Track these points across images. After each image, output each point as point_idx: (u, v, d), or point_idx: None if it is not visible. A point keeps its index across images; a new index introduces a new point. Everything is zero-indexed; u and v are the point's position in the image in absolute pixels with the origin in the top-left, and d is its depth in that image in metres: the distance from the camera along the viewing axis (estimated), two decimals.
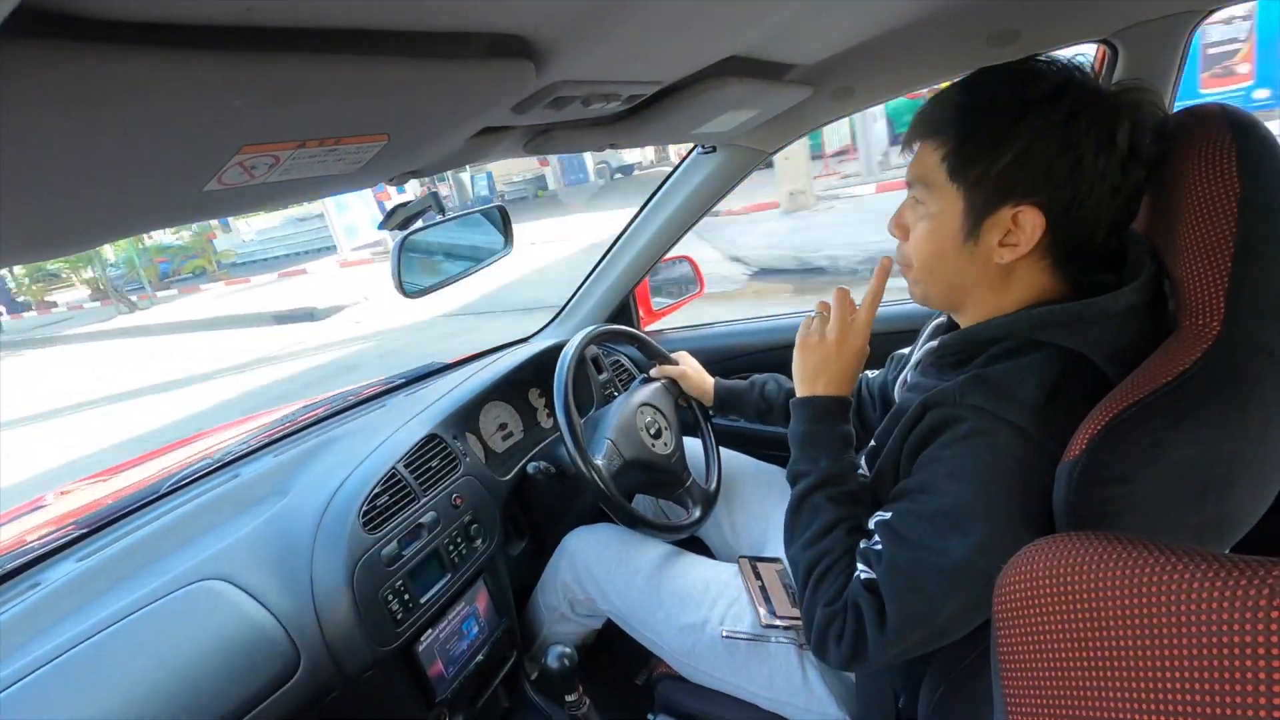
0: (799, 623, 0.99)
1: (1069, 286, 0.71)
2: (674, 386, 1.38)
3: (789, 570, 1.10)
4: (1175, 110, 0.71)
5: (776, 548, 1.26)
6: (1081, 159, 0.63)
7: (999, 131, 0.65)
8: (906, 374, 0.89)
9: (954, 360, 0.75)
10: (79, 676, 0.78)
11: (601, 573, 1.19)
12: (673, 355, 1.41)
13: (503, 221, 1.32)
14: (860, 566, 0.73)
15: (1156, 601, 0.37)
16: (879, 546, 0.72)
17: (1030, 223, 0.66)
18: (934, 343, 0.81)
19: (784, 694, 0.99)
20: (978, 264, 0.71)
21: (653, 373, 1.40)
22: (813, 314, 0.93)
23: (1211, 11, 0.92)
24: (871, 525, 0.73)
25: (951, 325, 0.84)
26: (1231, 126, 0.60)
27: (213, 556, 0.96)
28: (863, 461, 0.87)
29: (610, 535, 1.25)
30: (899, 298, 1.37)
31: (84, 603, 0.90)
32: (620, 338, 1.38)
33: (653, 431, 1.26)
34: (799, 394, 0.89)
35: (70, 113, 0.34)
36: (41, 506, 1.41)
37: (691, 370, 1.38)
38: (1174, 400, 0.57)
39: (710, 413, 1.39)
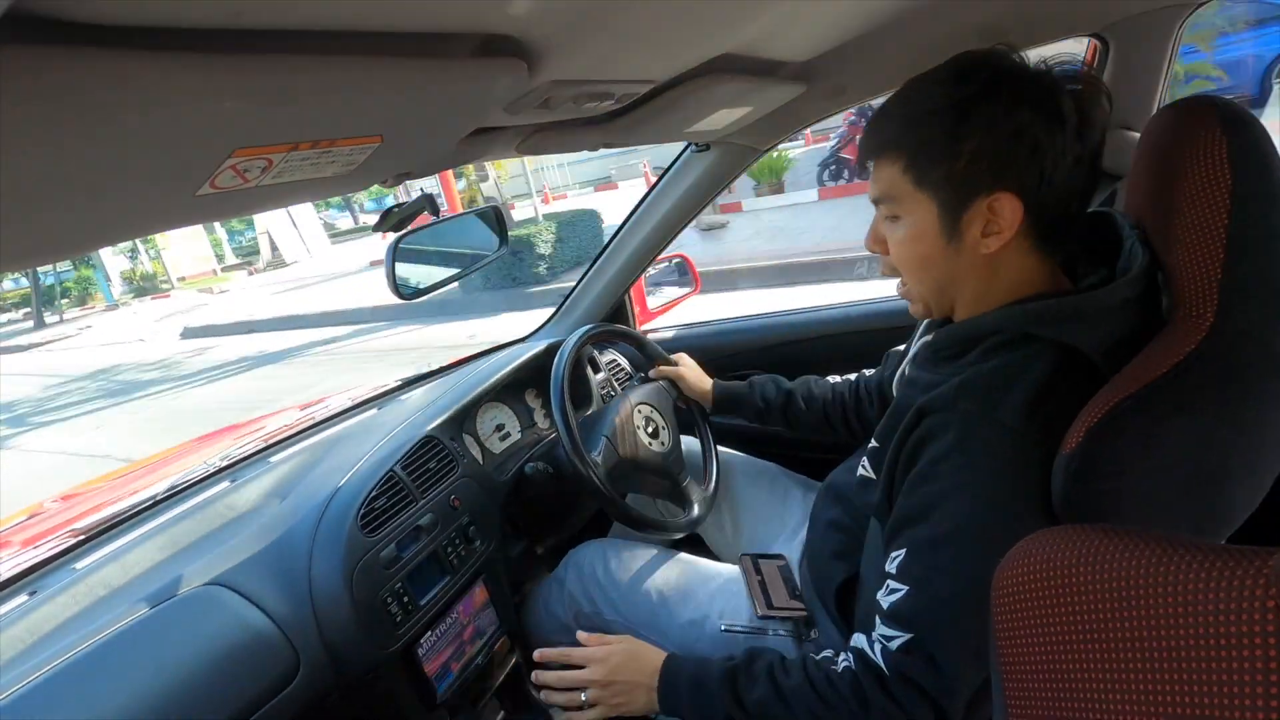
0: (798, 613, 0.99)
1: (1058, 272, 0.72)
2: (672, 386, 1.39)
3: (790, 565, 1.11)
4: (1167, 104, 0.71)
5: (777, 545, 1.26)
6: (1037, 140, 0.64)
7: (949, 133, 0.66)
8: (904, 368, 0.89)
9: (949, 354, 0.75)
10: (77, 683, 0.77)
11: (610, 583, 1.19)
12: (671, 357, 1.41)
13: (497, 222, 1.31)
14: (888, 631, 0.69)
15: (1154, 592, 0.37)
16: (899, 595, 0.69)
17: (1008, 208, 0.66)
18: (929, 336, 0.81)
19: None
20: (965, 259, 0.71)
21: (651, 374, 1.40)
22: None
23: (1200, 5, 0.92)
24: (891, 570, 0.71)
25: (946, 319, 0.85)
26: (1223, 120, 0.60)
27: (211, 562, 0.96)
28: (865, 462, 0.87)
29: (620, 546, 1.25)
30: (891, 294, 1.38)
31: (82, 609, 0.90)
32: (617, 337, 1.38)
33: (650, 430, 1.26)
34: (662, 709, 0.85)
35: (61, 117, 0.34)
36: (40, 514, 1.40)
37: (690, 371, 1.38)
38: (1169, 392, 0.57)
39: (707, 412, 1.39)
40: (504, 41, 0.53)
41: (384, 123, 0.54)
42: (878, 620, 0.71)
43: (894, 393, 0.90)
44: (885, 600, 0.71)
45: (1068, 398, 0.63)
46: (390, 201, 1.24)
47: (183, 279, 18.02)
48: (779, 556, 1.13)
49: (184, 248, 18.25)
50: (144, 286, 18.09)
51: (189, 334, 10.57)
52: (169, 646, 0.83)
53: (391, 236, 1.10)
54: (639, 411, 1.27)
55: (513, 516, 1.32)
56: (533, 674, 0.96)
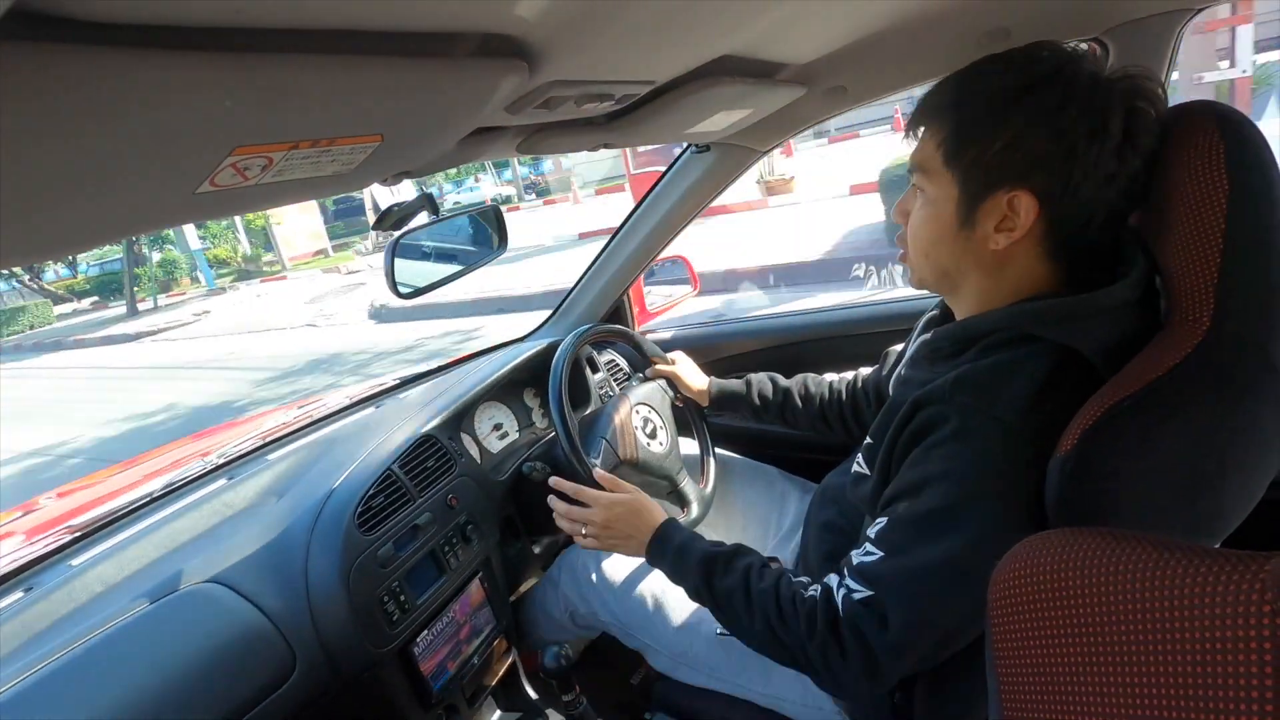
0: None
1: (1063, 279, 0.72)
2: (670, 386, 1.39)
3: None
4: (1166, 109, 0.71)
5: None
6: (1074, 146, 0.63)
7: (993, 116, 0.66)
8: (900, 369, 0.89)
9: (947, 352, 0.75)
10: (73, 681, 0.77)
11: (604, 584, 1.19)
12: (668, 355, 1.41)
13: (496, 221, 1.31)
14: (853, 584, 0.72)
15: (1150, 596, 0.37)
16: (872, 558, 0.71)
17: (1025, 208, 0.66)
18: (928, 335, 0.81)
19: (780, 689, 0.99)
20: (973, 250, 0.71)
21: (648, 373, 1.40)
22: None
23: (1201, 9, 0.92)
24: (871, 534, 0.73)
25: (944, 318, 0.85)
26: (1220, 124, 0.60)
27: (207, 559, 0.96)
28: (859, 458, 0.87)
29: None
30: (888, 296, 1.38)
31: (78, 607, 0.89)
32: (615, 337, 1.38)
33: (648, 431, 1.26)
34: (646, 558, 0.94)
35: (62, 114, 0.34)
36: (36, 510, 1.40)
37: (686, 370, 1.38)
38: (1164, 396, 0.57)
39: (706, 412, 1.39)
40: (505, 41, 0.53)
41: (384, 122, 0.54)
42: (846, 573, 0.74)
43: (890, 392, 0.90)
44: (857, 558, 0.73)
45: (1065, 398, 0.63)
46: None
47: (293, 259, 17.02)
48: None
49: (298, 224, 17.01)
50: (247, 269, 17.18)
51: (383, 316, 8.97)
52: (165, 644, 0.83)
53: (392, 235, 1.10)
54: (637, 412, 1.27)
55: (510, 516, 1.32)
56: (548, 498, 1.06)
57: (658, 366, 1.39)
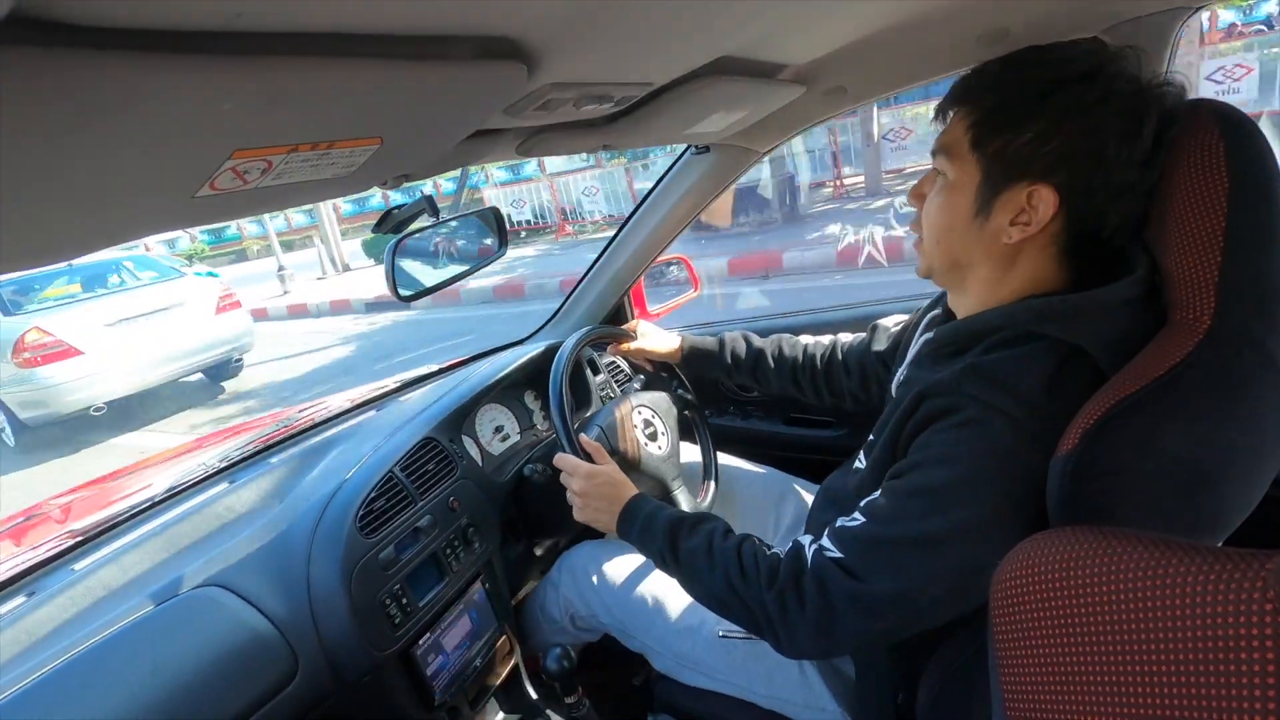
0: None
1: (1070, 279, 0.71)
2: (682, 390, 1.38)
3: None
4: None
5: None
6: (1104, 145, 0.62)
7: (1026, 106, 0.65)
8: (903, 371, 0.89)
9: (950, 351, 0.75)
10: (75, 684, 0.77)
11: (604, 586, 1.19)
12: (627, 326, 1.38)
13: (497, 224, 1.31)
14: (827, 544, 0.72)
15: (1152, 595, 0.37)
16: (855, 523, 0.71)
17: (1044, 203, 0.66)
18: (930, 334, 0.81)
19: (782, 691, 0.99)
20: (985, 241, 0.71)
21: (610, 351, 1.38)
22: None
23: (1200, 8, 0.92)
24: (861, 504, 0.73)
25: (947, 319, 0.84)
26: (1220, 122, 0.60)
27: (209, 563, 0.96)
28: (860, 455, 0.87)
29: (613, 549, 1.25)
30: (892, 298, 1.38)
31: (80, 610, 0.90)
32: (611, 339, 1.38)
33: (649, 434, 1.26)
34: (618, 532, 0.95)
35: (61, 119, 0.34)
36: (37, 515, 1.40)
37: (651, 334, 1.35)
38: (1166, 394, 0.57)
39: (708, 414, 1.39)
40: (503, 44, 0.53)
41: (383, 125, 0.54)
42: (825, 533, 0.74)
43: (893, 393, 0.90)
44: (841, 521, 0.73)
45: (1071, 396, 0.63)
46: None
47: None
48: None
49: None
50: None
51: None
52: (167, 647, 0.83)
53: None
54: (638, 413, 1.27)
55: (511, 518, 1.32)
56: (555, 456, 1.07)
57: (622, 346, 1.35)
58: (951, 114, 0.72)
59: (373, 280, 10.50)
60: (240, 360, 6.79)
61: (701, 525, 0.86)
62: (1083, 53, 0.65)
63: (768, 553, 0.78)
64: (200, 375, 6.61)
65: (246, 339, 6.55)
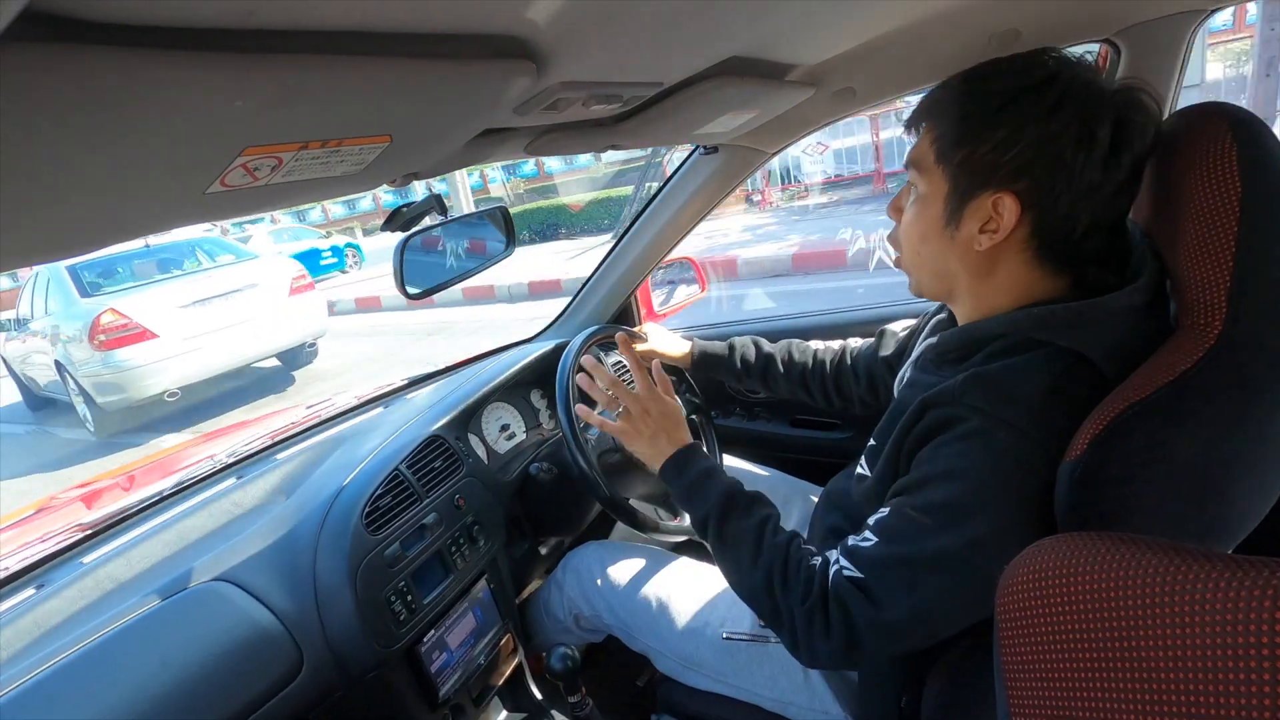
0: None
1: (1068, 284, 0.71)
2: (692, 396, 1.37)
3: None
4: (1177, 110, 0.70)
5: None
6: (1062, 151, 0.63)
7: (986, 117, 0.66)
8: (906, 371, 0.89)
9: (953, 357, 0.75)
10: (83, 678, 0.78)
11: (607, 587, 1.19)
12: (637, 329, 1.36)
13: (505, 222, 1.32)
14: (844, 562, 0.72)
15: (1160, 602, 0.37)
16: (868, 543, 0.71)
17: (1008, 210, 0.66)
18: (934, 339, 0.81)
19: (786, 693, 0.99)
20: (958, 251, 0.72)
21: (617, 340, 1.37)
22: (608, 414, 1.01)
23: (1214, 11, 0.92)
24: (870, 522, 0.73)
25: (951, 322, 0.84)
26: (1232, 125, 0.60)
27: (216, 558, 0.96)
28: (862, 460, 0.87)
29: (617, 550, 1.25)
30: (893, 299, 1.38)
31: (88, 604, 0.90)
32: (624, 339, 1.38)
33: None
34: (657, 467, 0.93)
35: (74, 115, 0.34)
36: (47, 509, 1.41)
37: (661, 339, 1.34)
38: (1175, 400, 0.57)
39: (714, 416, 1.38)
40: (513, 43, 0.53)
41: (393, 123, 0.54)
42: (840, 552, 0.74)
43: (895, 394, 0.90)
44: (853, 541, 0.73)
45: (1074, 404, 0.62)
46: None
47: None
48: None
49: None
50: None
51: None
52: (174, 642, 0.84)
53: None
54: None
55: (517, 517, 1.32)
56: (578, 376, 1.05)
57: (636, 347, 1.29)
58: (921, 128, 0.74)
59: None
60: (314, 346, 6.68)
61: (755, 508, 0.84)
62: (1039, 62, 0.66)
63: (810, 561, 0.77)
64: (275, 361, 6.50)
65: (320, 322, 6.41)
